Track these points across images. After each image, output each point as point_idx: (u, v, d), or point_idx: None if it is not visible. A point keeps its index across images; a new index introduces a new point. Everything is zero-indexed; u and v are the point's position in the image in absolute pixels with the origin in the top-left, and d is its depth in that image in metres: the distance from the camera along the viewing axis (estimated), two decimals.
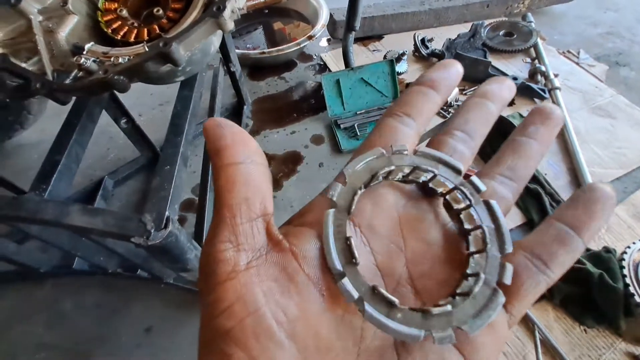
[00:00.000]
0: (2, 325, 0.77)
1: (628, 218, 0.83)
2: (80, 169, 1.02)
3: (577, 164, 0.93)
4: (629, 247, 0.64)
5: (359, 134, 1.03)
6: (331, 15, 1.30)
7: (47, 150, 0.59)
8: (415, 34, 1.29)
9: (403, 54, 1.22)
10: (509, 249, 0.17)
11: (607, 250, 0.72)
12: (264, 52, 1.14)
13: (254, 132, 1.08)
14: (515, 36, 1.32)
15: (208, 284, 0.16)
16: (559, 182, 0.92)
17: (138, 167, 0.99)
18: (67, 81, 0.49)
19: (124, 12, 0.57)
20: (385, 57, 1.23)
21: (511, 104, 1.11)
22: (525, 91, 1.11)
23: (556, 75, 1.16)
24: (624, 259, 0.62)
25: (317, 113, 1.13)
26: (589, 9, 1.51)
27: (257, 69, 1.28)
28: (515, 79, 1.10)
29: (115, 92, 0.57)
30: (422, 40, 1.27)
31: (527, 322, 0.69)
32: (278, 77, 1.26)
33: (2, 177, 0.74)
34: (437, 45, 1.29)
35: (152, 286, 0.78)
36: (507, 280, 0.17)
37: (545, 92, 1.09)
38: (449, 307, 0.16)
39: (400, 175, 0.19)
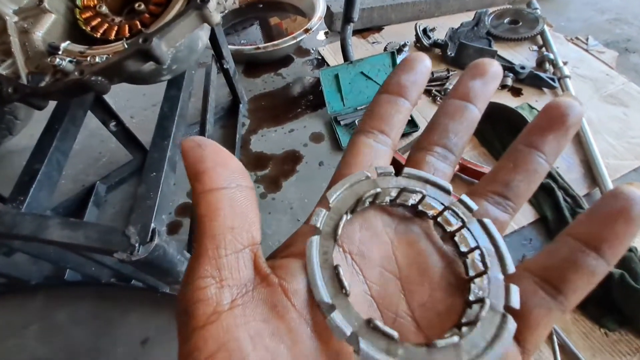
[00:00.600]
0: None
1: None
2: (71, 174, 1.00)
3: (591, 156, 0.88)
4: None
5: None
6: (328, 7, 1.26)
7: None
8: (416, 24, 1.24)
9: (404, 45, 1.17)
10: (511, 269, 0.16)
11: (628, 248, 0.67)
12: (258, 48, 1.10)
13: (251, 131, 1.04)
14: (520, 24, 1.26)
15: (185, 329, 0.13)
16: (572, 175, 0.87)
17: (131, 171, 0.95)
18: (42, 84, 0.46)
19: (104, 9, 0.53)
20: (385, 49, 1.19)
21: (519, 93, 1.06)
22: (533, 80, 1.06)
23: (565, 63, 1.11)
24: None
25: (315, 110, 1.09)
26: None
27: (253, 65, 1.24)
28: (522, 68, 1.05)
29: (102, 94, 0.53)
30: (424, 31, 1.22)
31: None
32: (274, 74, 1.22)
33: None
34: (440, 35, 1.24)
35: (148, 296, 0.75)
36: (515, 303, 0.15)
37: (554, 81, 1.04)
38: (455, 339, 0.14)
39: (387, 198, 0.18)
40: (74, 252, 0.50)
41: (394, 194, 0.18)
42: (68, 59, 0.46)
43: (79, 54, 0.47)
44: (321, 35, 1.36)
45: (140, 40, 0.44)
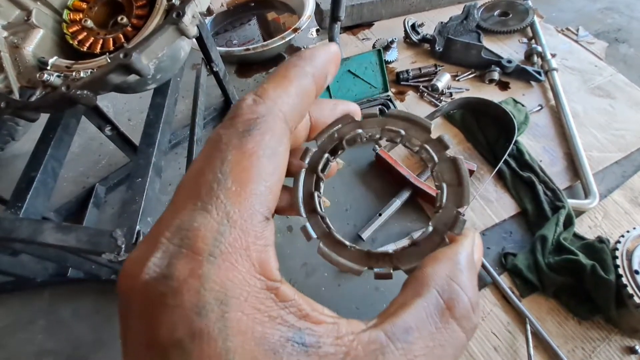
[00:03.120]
0: (4, 333, 0.80)
1: (625, 203, 0.80)
2: (72, 176, 1.04)
3: (574, 149, 0.89)
4: (622, 236, 0.61)
5: None
6: (317, 5, 1.27)
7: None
8: (405, 19, 1.24)
9: (392, 42, 1.18)
10: (466, 204, 0.19)
11: (600, 240, 0.69)
12: (248, 49, 1.12)
13: None
14: (510, 15, 1.26)
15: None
16: (555, 169, 0.89)
17: (129, 172, 0.99)
18: (33, 98, 0.49)
19: (89, 23, 0.56)
20: (374, 46, 1.20)
21: (505, 87, 1.07)
22: (520, 74, 1.07)
23: (553, 56, 1.12)
24: (617, 249, 0.60)
25: None
26: None
27: (245, 65, 1.26)
28: (509, 62, 1.05)
29: (89, 106, 0.56)
30: (413, 26, 1.23)
31: (518, 315, 0.68)
32: (266, 73, 1.24)
33: None
34: (429, 29, 1.25)
35: None
36: (457, 230, 0.18)
37: (540, 75, 1.04)
38: (390, 248, 0.21)
39: (368, 136, 0.22)
40: (69, 252, 0.54)
41: (377, 134, 0.22)
42: (56, 73, 0.49)
43: (65, 68, 0.50)
44: (312, 33, 1.38)
45: (121, 55, 0.46)
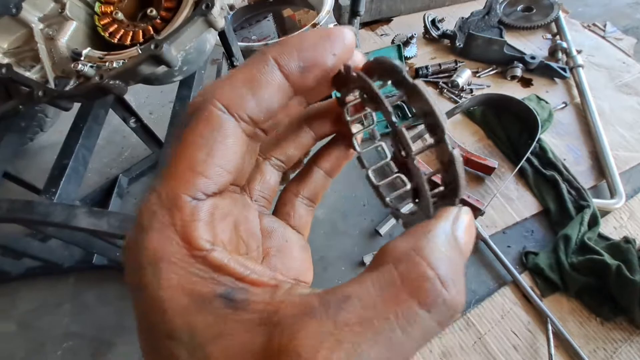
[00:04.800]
0: (32, 316, 0.83)
1: None
2: (96, 167, 1.08)
3: (600, 147, 0.87)
4: None
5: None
6: (336, 1, 1.26)
7: None
8: (425, 14, 1.23)
9: (412, 37, 1.17)
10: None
11: (626, 240, 0.68)
12: (267, 44, 1.13)
13: None
14: (534, 10, 1.23)
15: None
16: (580, 168, 0.87)
17: (151, 164, 1.01)
18: (67, 88, 0.51)
19: (120, 15, 0.58)
20: (393, 41, 1.19)
21: (528, 84, 1.05)
22: (544, 70, 1.04)
23: (579, 52, 1.09)
24: None
25: None
26: None
27: None
28: (533, 58, 1.03)
29: (120, 95, 0.58)
30: (433, 21, 1.22)
31: (539, 314, 0.67)
32: None
33: (23, 180, 0.79)
34: (449, 25, 1.23)
35: None
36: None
37: (565, 71, 1.02)
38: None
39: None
40: (99, 238, 0.56)
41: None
42: (89, 64, 0.51)
43: (98, 59, 0.51)
44: None
45: (152, 47, 0.48)
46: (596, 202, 0.77)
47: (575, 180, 0.81)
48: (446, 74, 1.10)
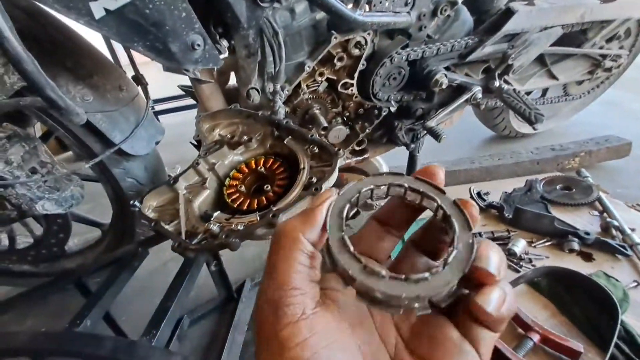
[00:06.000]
0: None
1: None
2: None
3: None
4: None
5: None
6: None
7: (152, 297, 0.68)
8: (470, 187, 1.40)
9: None
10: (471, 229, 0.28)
11: None
12: None
13: None
14: (574, 190, 1.35)
15: (278, 324, 0.23)
16: None
17: (212, 307, 1.05)
18: (195, 241, 0.63)
19: (242, 188, 0.76)
20: None
21: (589, 259, 1.05)
22: (602, 246, 1.06)
23: (633, 230, 1.12)
24: None
25: None
26: None
27: None
28: (587, 233, 1.07)
29: (234, 250, 0.69)
30: (478, 194, 1.37)
31: None
32: None
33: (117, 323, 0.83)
34: (494, 197, 1.37)
35: None
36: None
37: (626, 249, 1.03)
38: (426, 275, 0.23)
39: (379, 192, 0.30)
40: None
41: (384, 188, 0.29)
42: (218, 224, 0.64)
43: (225, 221, 0.65)
44: None
45: (271, 215, 0.61)
46: None
47: None
48: (500, 242, 1.16)
